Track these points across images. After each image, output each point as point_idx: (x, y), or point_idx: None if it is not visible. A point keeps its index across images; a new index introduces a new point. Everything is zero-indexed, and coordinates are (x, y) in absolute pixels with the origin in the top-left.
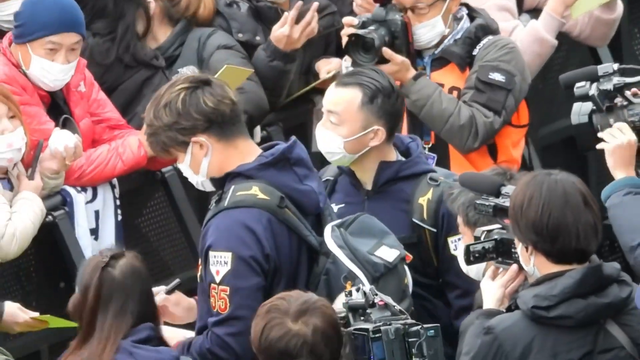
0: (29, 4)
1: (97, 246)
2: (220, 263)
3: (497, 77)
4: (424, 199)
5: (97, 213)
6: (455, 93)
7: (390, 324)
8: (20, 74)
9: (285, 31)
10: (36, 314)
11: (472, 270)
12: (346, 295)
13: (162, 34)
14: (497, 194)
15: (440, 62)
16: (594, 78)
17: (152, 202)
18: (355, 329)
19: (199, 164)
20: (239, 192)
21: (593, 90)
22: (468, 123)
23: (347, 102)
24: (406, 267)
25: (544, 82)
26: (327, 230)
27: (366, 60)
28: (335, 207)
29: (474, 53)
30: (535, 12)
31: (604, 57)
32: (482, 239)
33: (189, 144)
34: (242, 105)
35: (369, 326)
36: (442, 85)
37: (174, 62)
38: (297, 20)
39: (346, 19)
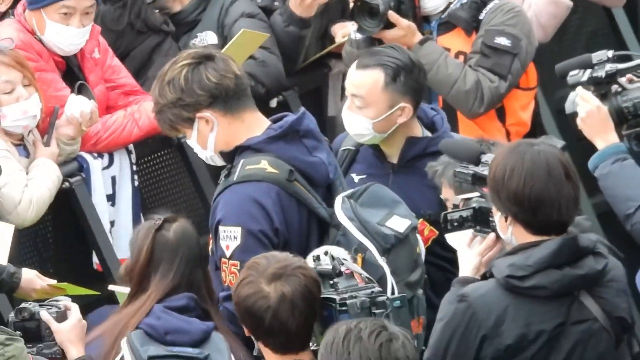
0: None
1: (114, 212)
2: (230, 238)
3: (502, 41)
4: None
5: (113, 179)
6: (461, 57)
7: (356, 297)
8: (35, 40)
9: None
10: (53, 281)
11: (453, 239)
12: (314, 260)
13: None
14: (477, 162)
15: (446, 26)
16: (588, 66)
17: (169, 168)
18: (323, 298)
19: (206, 139)
20: (247, 166)
21: (585, 77)
22: (474, 88)
23: (371, 84)
24: (418, 236)
25: (559, 45)
26: (338, 201)
27: (372, 26)
28: (356, 178)
29: (480, 17)
30: None
31: (620, 19)
32: (460, 206)
33: (195, 120)
34: (261, 77)
35: (336, 297)
36: (448, 49)
37: (195, 26)
38: None
39: None
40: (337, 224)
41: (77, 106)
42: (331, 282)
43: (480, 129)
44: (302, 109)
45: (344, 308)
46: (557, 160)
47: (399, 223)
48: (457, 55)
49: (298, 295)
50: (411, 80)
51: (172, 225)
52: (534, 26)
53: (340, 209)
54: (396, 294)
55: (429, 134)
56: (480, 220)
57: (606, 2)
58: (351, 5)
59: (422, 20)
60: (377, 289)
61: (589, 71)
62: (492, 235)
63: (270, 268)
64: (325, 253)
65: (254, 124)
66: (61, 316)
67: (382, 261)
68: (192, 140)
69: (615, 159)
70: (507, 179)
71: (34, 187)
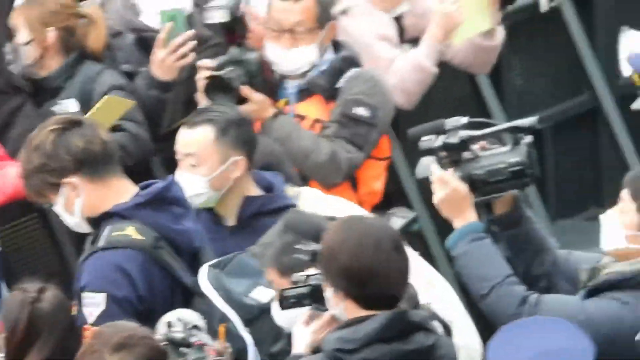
0: None
1: None
2: (94, 304)
3: (361, 111)
4: None
5: None
6: (318, 125)
7: None
8: None
9: (157, 54)
10: None
11: (281, 318)
12: (168, 327)
13: (55, 63)
14: (317, 239)
15: (305, 93)
16: (441, 131)
17: (31, 234)
18: None
19: (73, 205)
20: (114, 233)
21: (438, 143)
22: (329, 159)
23: (201, 141)
24: None
25: (426, 112)
26: (203, 270)
27: (226, 102)
28: None
29: (339, 85)
30: (416, 43)
31: (484, 86)
32: (299, 284)
33: (61, 186)
34: (131, 149)
35: None
36: (305, 117)
37: (59, 93)
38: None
39: (202, 62)
40: (201, 293)
41: None
42: (182, 352)
43: (332, 195)
44: (170, 177)
45: None
46: (386, 234)
47: (263, 293)
48: (314, 123)
49: None
50: (242, 133)
51: (45, 295)
52: (398, 92)
53: (205, 278)
54: None
55: (267, 194)
56: (317, 297)
57: (472, 69)
58: (202, 83)
59: (278, 88)
60: None
61: (442, 137)
62: (328, 313)
63: (115, 337)
64: (179, 319)
65: (121, 191)
66: None
67: (244, 332)
68: (58, 207)
69: (472, 238)
70: (337, 253)
71: None
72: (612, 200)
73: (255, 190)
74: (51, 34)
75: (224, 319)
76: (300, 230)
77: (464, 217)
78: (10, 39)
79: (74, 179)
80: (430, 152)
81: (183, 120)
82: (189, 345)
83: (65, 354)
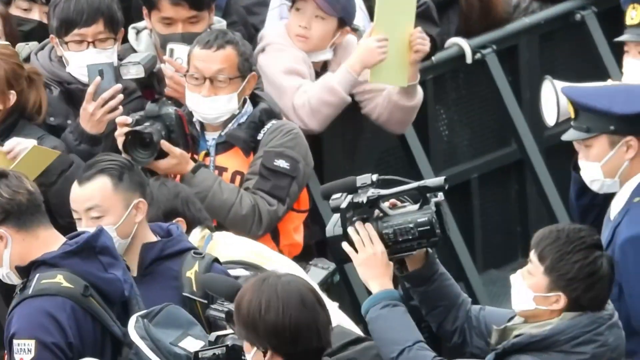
0: None
1: None
2: (24, 351)
3: (282, 163)
4: (192, 272)
5: None
6: (238, 177)
7: None
8: None
9: (87, 108)
10: None
11: None
12: None
13: None
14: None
15: (224, 146)
16: (351, 189)
17: None
18: None
19: (1, 256)
20: (43, 280)
21: (345, 203)
22: (251, 212)
23: (101, 191)
24: None
25: (351, 164)
26: (132, 320)
27: (145, 157)
28: None
29: (259, 137)
30: None
31: (410, 137)
32: (215, 343)
33: None
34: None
35: None
36: (226, 169)
37: None
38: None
39: (120, 119)
40: (129, 343)
41: None
42: None
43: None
44: (100, 226)
45: None
46: (307, 289)
47: (192, 344)
48: (234, 176)
49: None
50: (134, 176)
51: None
52: (306, 111)
53: (133, 328)
54: None
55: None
56: (233, 357)
57: (389, 126)
58: (121, 139)
59: (198, 140)
60: None
61: (350, 196)
62: None
63: None
64: None
65: (49, 240)
66: None
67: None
68: None
69: (386, 304)
70: (264, 312)
71: None
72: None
73: (153, 237)
74: (12, 97)
75: None
76: (216, 291)
77: (382, 283)
78: None
79: (1, 230)
80: (338, 210)
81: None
82: None
83: None
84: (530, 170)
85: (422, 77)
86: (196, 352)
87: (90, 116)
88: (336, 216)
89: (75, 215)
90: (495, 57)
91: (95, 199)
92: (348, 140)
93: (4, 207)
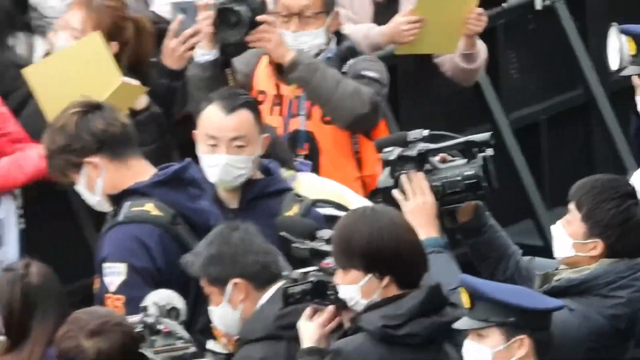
0: None
1: (1, 253)
2: (114, 274)
3: (370, 73)
4: (291, 213)
5: (0, 222)
6: None
7: None
8: None
9: (169, 45)
10: None
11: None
12: (142, 311)
13: None
14: (312, 238)
15: None
16: (403, 143)
17: (52, 212)
18: (141, 353)
19: (94, 184)
20: (133, 208)
21: (393, 156)
22: (355, 91)
23: (248, 123)
24: None
25: (425, 104)
26: None
27: (236, 35)
28: None
29: (344, 70)
30: None
31: (482, 81)
32: (299, 281)
33: (83, 166)
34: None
35: (152, 356)
36: None
37: None
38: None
39: (202, 2)
40: None
41: None
42: (151, 339)
43: (340, 173)
44: (189, 159)
45: None
46: (403, 219)
47: None
48: None
49: (115, 351)
50: (259, 113)
51: (31, 270)
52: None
53: None
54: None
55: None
56: (320, 292)
57: (455, 81)
58: (209, 22)
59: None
60: (192, 350)
61: (399, 150)
62: (330, 307)
63: (91, 324)
64: (154, 303)
65: (140, 170)
66: None
67: None
68: (80, 186)
69: (431, 250)
70: (386, 239)
71: None
72: None
73: (257, 174)
74: (114, 47)
75: None
76: (294, 231)
77: (428, 231)
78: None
79: (95, 159)
80: (389, 163)
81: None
82: (157, 332)
83: (62, 320)
84: (596, 113)
85: (493, 23)
86: (285, 288)
87: (172, 52)
88: (388, 168)
89: (209, 142)
90: (564, 3)
91: (243, 130)
92: (422, 84)
93: (98, 138)
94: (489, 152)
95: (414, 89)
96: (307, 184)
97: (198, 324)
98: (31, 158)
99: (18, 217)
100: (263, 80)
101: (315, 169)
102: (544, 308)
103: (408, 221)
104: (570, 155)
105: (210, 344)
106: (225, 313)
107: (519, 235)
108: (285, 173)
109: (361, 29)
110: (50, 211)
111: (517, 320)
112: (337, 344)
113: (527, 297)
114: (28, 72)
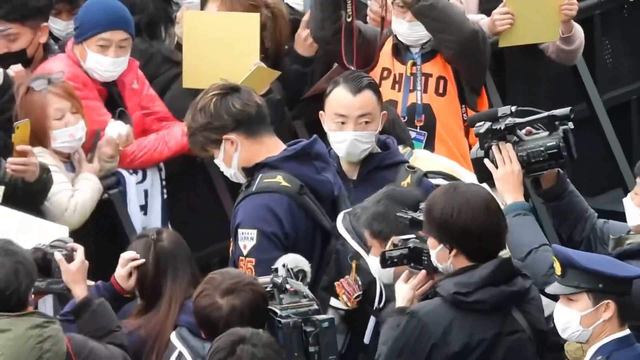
0: (83, 8)
1: (146, 220)
2: (247, 238)
3: None
4: (405, 183)
5: (146, 192)
6: (442, 82)
7: (290, 317)
8: (82, 72)
9: (301, 35)
10: None
11: (384, 275)
12: (273, 272)
13: None
14: (416, 209)
15: (429, 55)
16: (494, 118)
17: (193, 183)
18: (269, 310)
19: (231, 158)
20: (265, 180)
21: (483, 129)
22: (477, 30)
23: (373, 102)
24: None
25: (530, 85)
26: (340, 216)
27: None
28: None
29: None
30: None
31: (580, 64)
32: (399, 246)
33: (222, 142)
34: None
35: (278, 312)
36: (431, 75)
37: None
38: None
39: None
40: (337, 235)
41: (116, 129)
42: (279, 296)
43: (452, 143)
44: (315, 136)
45: (280, 325)
46: (490, 198)
47: None
48: (438, 80)
49: (246, 308)
50: (380, 95)
51: (163, 235)
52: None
53: (340, 222)
54: (329, 313)
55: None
56: (415, 258)
57: (558, 61)
58: None
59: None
60: (315, 307)
61: (489, 123)
62: (423, 272)
63: (225, 283)
64: (284, 265)
65: (272, 146)
66: (69, 258)
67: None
68: (218, 160)
69: (517, 213)
70: (456, 216)
71: (78, 196)
72: None
73: (375, 148)
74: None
75: (355, 256)
76: (401, 201)
77: (514, 196)
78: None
79: (232, 136)
80: (479, 136)
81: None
82: (284, 290)
83: (194, 280)
84: None
85: (590, 13)
86: (383, 252)
87: (303, 41)
88: (479, 141)
89: (337, 120)
90: None
91: (369, 107)
92: (527, 67)
93: (236, 117)
94: (570, 125)
95: (519, 72)
96: (421, 159)
97: (322, 282)
98: (175, 135)
99: (162, 188)
100: (387, 58)
101: (431, 138)
102: (627, 275)
103: (489, 202)
104: None
105: (333, 301)
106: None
107: (610, 202)
108: (403, 150)
109: (473, 19)
110: (191, 183)
111: (605, 287)
112: (415, 306)
113: (613, 265)
114: (189, 15)
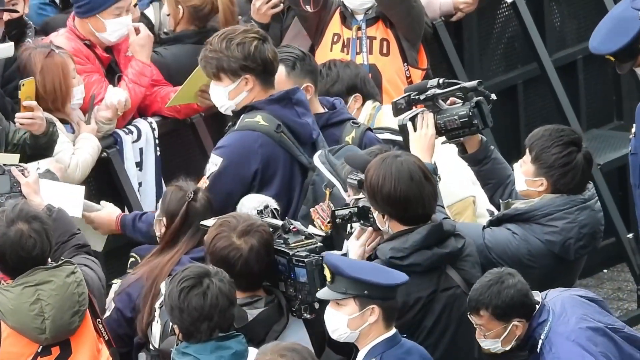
0: None
1: (141, 176)
2: (213, 163)
3: None
4: (349, 137)
5: (141, 150)
6: (385, 43)
7: (311, 256)
8: (84, 46)
9: (255, 4)
10: None
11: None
12: (259, 213)
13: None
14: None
15: (372, 21)
16: (422, 89)
17: (183, 141)
18: (276, 250)
19: (238, 94)
20: (246, 119)
21: (403, 100)
22: None
23: (277, 77)
24: None
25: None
26: (317, 153)
27: None
28: None
29: None
30: None
31: (531, 28)
32: (349, 205)
33: (241, 77)
34: None
35: (289, 251)
36: (375, 37)
37: None
38: None
39: None
40: (313, 167)
41: (116, 95)
42: (284, 236)
43: (398, 94)
44: (296, 86)
45: (301, 263)
46: (416, 166)
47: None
48: (381, 42)
49: (262, 247)
50: (306, 66)
51: (198, 196)
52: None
53: (316, 157)
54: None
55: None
56: (363, 216)
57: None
58: None
59: (349, 19)
60: (319, 244)
61: (407, 94)
62: (370, 228)
63: (240, 225)
64: (266, 207)
65: (269, 94)
66: (22, 173)
67: (345, 195)
68: (225, 89)
69: None
70: (381, 185)
71: (79, 154)
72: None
73: (321, 109)
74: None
75: (330, 185)
76: (353, 164)
77: (423, 157)
78: None
79: (253, 77)
80: (392, 105)
81: None
82: (288, 231)
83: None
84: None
85: None
86: (333, 210)
87: (257, 10)
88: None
89: None
90: None
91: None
92: (482, 29)
93: (266, 64)
94: (492, 96)
95: (474, 35)
96: (388, 112)
97: (301, 211)
98: (167, 92)
99: (155, 146)
100: (336, 24)
101: (379, 94)
102: (390, 283)
103: (414, 171)
104: (601, 86)
105: (310, 228)
106: None
107: None
108: (371, 105)
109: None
110: (182, 141)
111: (369, 293)
112: None
113: (378, 273)
114: None
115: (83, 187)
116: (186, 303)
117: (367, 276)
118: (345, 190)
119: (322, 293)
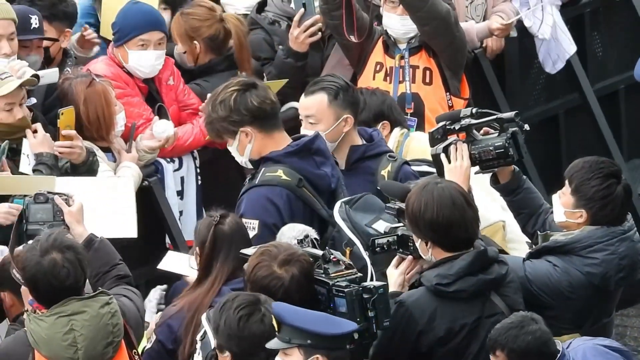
0: (121, 13)
1: (182, 204)
2: (250, 228)
3: None
4: (385, 171)
5: (182, 179)
6: (428, 72)
7: (351, 286)
8: (123, 72)
9: (293, 33)
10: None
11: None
12: (299, 243)
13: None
14: (403, 199)
15: (415, 50)
16: (456, 118)
17: (223, 170)
18: (317, 279)
19: (244, 148)
20: (267, 173)
21: (436, 129)
22: (448, 12)
23: (318, 104)
24: None
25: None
26: (336, 205)
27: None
28: None
29: None
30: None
31: (573, 60)
32: (387, 233)
33: (238, 133)
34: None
35: (329, 281)
36: (418, 66)
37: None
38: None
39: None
40: (333, 223)
41: (165, 129)
42: (324, 266)
43: None
44: (317, 131)
45: (341, 293)
46: (457, 192)
47: (383, 226)
48: (424, 71)
49: (303, 277)
50: (349, 97)
51: (226, 220)
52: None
53: (337, 211)
54: (374, 281)
55: (368, 144)
56: (402, 244)
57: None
58: None
59: (393, 48)
60: (359, 275)
61: (442, 124)
62: (409, 257)
63: (281, 255)
64: (306, 236)
65: (280, 141)
66: (67, 202)
67: (365, 255)
68: (232, 148)
69: None
70: (423, 211)
71: None
72: None
73: (359, 141)
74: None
75: (350, 243)
76: (391, 193)
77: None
78: None
79: (248, 129)
80: (429, 135)
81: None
82: (329, 260)
83: (241, 265)
84: None
85: (580, 11)
86: (373, 239)
87: (295, 39)
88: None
89: (300, 118)
90: None
91: (312, 110)
92: (524, 65)
93: (253, 113)
94: (525, 127)
95: (516, 66)
96: (417, 139)
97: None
98: None
99: (197, 174)
100: (379, 53)
101: (421, 123)
102: (334, 333)
103: (455, 197)
104: None
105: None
106: None
107: None
108: (399, 132)
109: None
110: (222, 170)
111: (312, 343)
112: (402, 296)
113: (324, 323)
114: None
115: (132, 180)
116: (246, 331)
117: (309, 325)
118: (365, 250)
119: (271, 342)
